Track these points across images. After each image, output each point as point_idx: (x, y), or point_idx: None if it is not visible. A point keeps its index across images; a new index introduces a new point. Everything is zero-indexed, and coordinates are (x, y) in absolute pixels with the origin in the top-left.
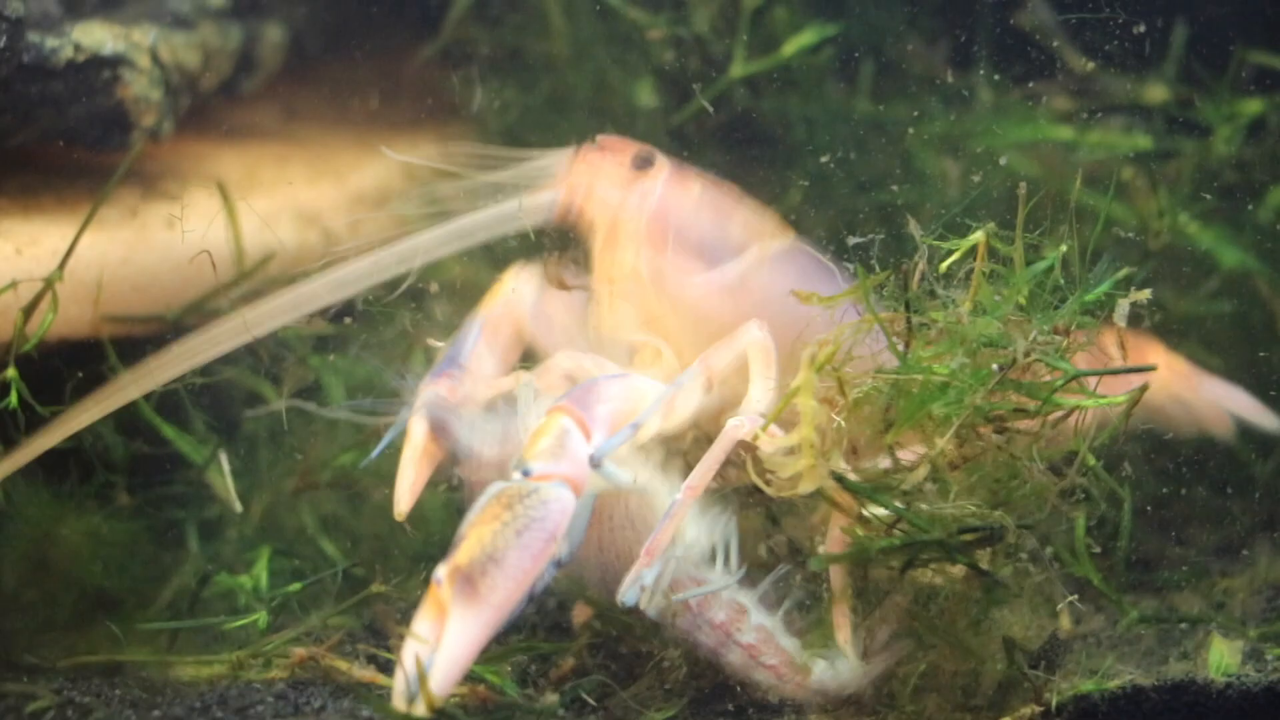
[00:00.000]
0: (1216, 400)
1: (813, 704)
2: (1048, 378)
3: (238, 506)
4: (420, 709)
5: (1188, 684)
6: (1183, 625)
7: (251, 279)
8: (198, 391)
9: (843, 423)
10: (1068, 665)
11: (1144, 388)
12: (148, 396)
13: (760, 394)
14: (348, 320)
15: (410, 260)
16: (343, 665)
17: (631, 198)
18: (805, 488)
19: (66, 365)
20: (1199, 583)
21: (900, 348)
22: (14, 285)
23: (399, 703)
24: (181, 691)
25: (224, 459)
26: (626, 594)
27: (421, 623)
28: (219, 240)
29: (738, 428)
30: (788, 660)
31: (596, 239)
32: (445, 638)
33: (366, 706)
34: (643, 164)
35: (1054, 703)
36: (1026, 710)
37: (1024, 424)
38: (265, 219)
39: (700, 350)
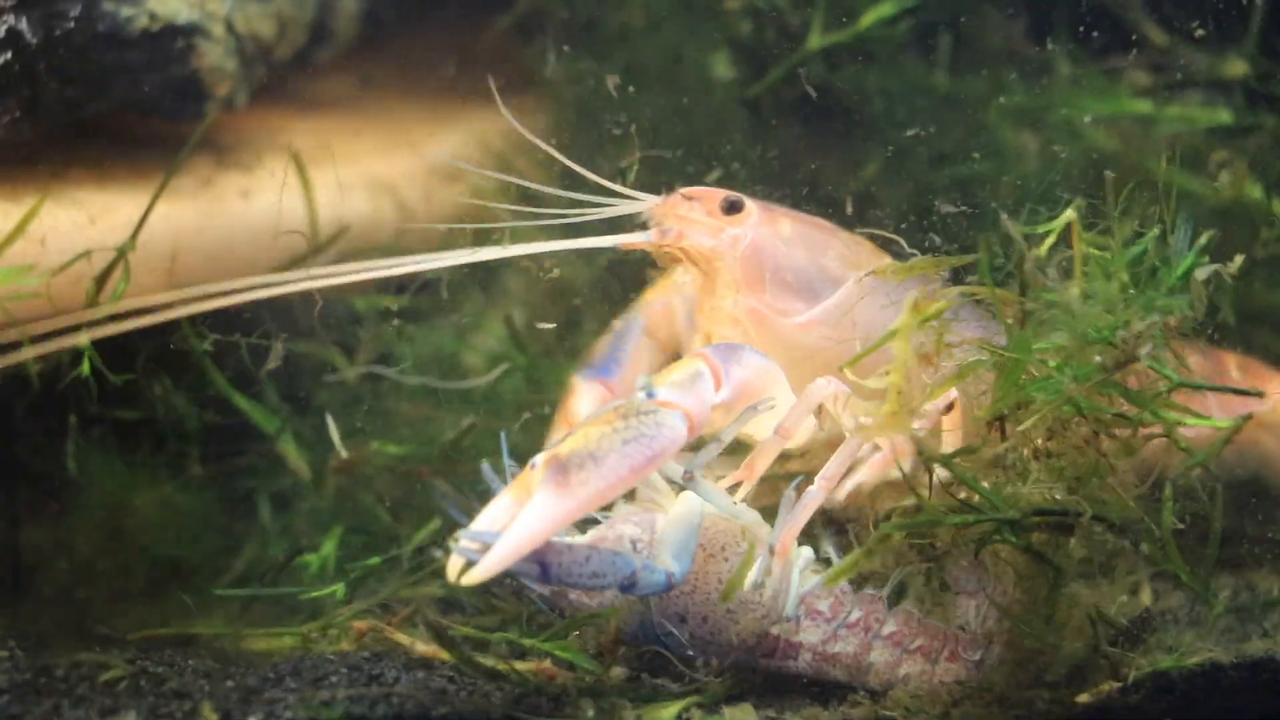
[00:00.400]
0: None
1: (959, 676)
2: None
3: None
4: (475, 577)
5: (1267, 662)
6: (1260, 602)
7: (326, 251)
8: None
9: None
10: (1149, 643)
11: (1248, 416)
12: (221, 367)
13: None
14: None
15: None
16: (404, 640)
17: (723, 244)
18: (888, 433)
19: (139, 336)
20: (1278, 560)
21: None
22: (88, 254)
23: (451, 571)
24: (255, 662)
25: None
26: (790, 609)
27: (502, 499)
28: (293, 212)
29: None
30: (937, 632)
31: (694, 284)
32: (523, 514)
33: (438, 678)
34: (731, 209)
35: (1131, 679)
36: (1104, 687)
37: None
38: (339, 190)
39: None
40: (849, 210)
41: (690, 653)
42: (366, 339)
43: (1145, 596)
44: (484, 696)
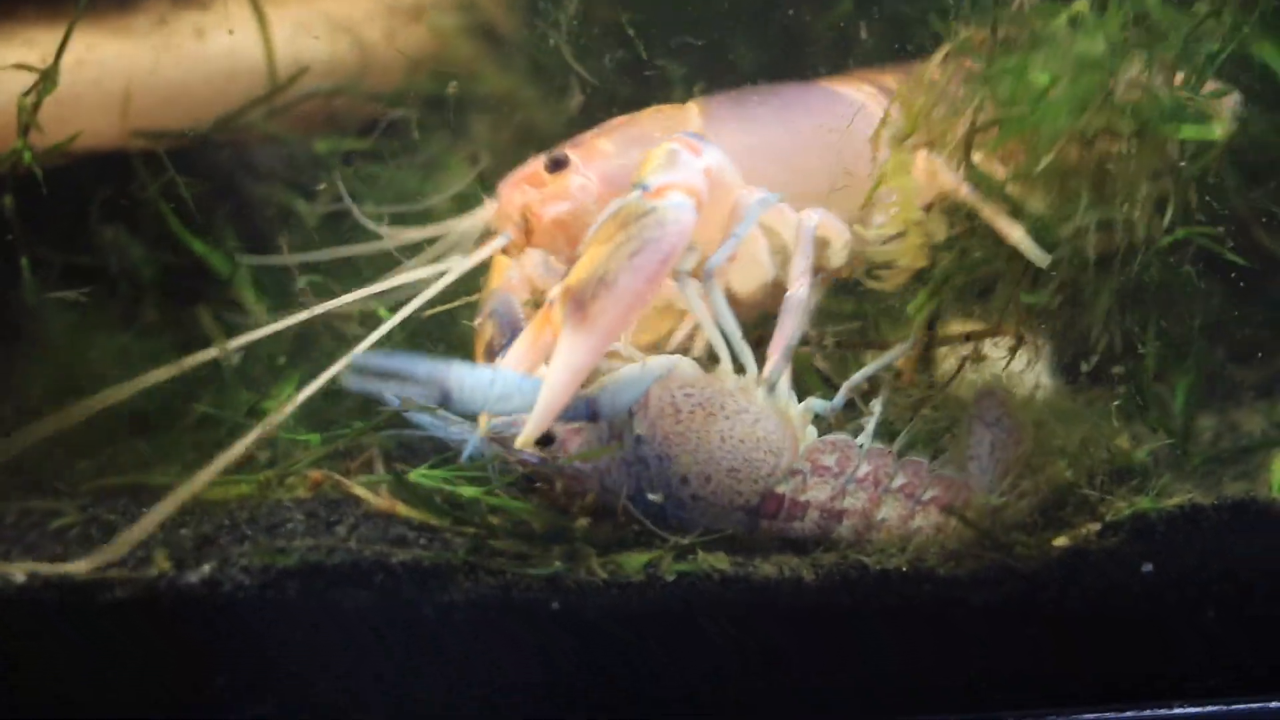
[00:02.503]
0: None
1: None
2: None
3: None
4: (526, 438)
5: (1249, 503)
6: (1242, 445)
7: (283, 92)
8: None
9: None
10: (1129, 484)
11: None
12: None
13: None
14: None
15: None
16: (361, 492)
17: (578, 198)
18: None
19: (93, 179)
20: (1259, 400)
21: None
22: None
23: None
24: (210, 510)
25: None
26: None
27: (522, 341)
28: (250, 51)
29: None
30: (950, 483)
31: (568, 249)
32: (553, 363)
33: (397, 524)
34: (556, 166)
35: (1109, 521)
36: (1081, 530)
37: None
38: (297, 29)
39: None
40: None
41: (686, 517)
42: (327, 182)
43: (1122, 440)
44: (444, 545)
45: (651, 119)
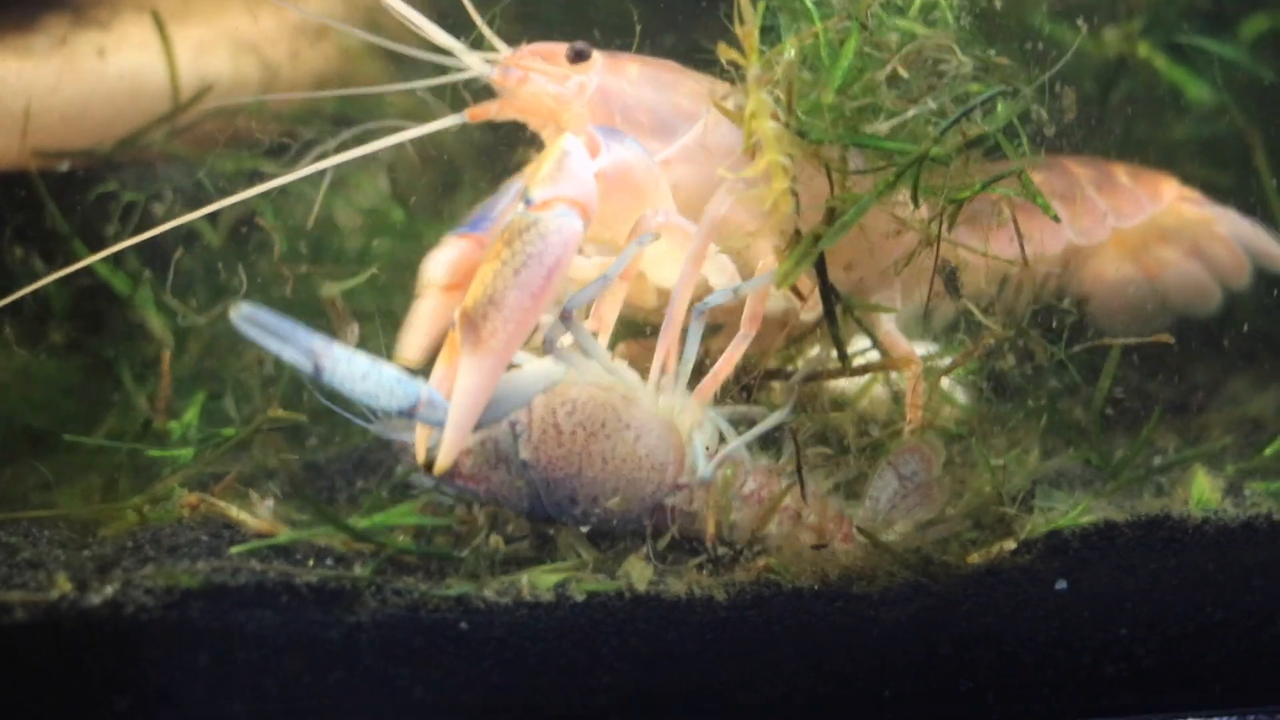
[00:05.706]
0: (1236, 237)
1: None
2: None
3: None
4: (440, 465)
5: (1163, 519)
6: (1157, 461)
7: (186, 112)
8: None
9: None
10: (1041, 502)
11: None
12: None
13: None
14: None
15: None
16: (234, 513)
17: (569, 91)
18: (780, 215)
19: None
20: (1175, 418)
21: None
22: None
23: (420, 453)
24: (113, 533)
25: None
26: (704, 470)
27: (439, 365)
28: (153, 71)
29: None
30: (831, 514)
31: (545, 137)
32: (455, 388)
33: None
34: (577, 57)
35: (1024, 538)
36: (995, 548)
37: None
38: (200, 48)
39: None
40: None
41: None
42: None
43: (1033, 457)
44: (348, 565)
45: (696, 80)
